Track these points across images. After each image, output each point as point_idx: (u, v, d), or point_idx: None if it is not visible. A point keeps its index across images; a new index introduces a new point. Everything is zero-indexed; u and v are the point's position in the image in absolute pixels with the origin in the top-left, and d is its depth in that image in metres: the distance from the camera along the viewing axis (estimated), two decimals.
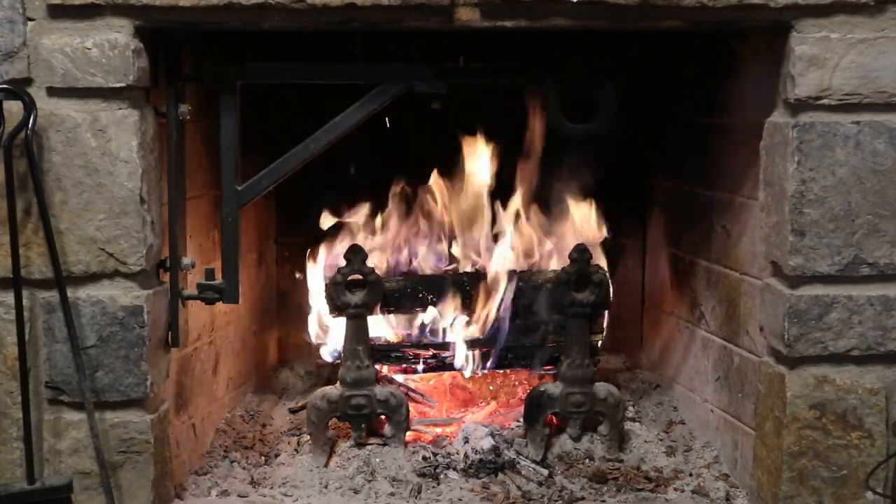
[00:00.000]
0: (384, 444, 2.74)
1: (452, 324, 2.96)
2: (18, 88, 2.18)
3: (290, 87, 2.90)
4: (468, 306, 2.95)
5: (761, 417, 2.46)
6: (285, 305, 3.49)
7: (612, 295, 2.87)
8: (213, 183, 2.72)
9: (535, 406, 2.76)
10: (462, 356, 2.94)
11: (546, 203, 3.16)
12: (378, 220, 3.18)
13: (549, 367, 2.94)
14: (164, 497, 2.44)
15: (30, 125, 2.17)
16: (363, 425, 2.75)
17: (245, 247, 2.92)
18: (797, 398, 2.34)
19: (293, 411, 3.07)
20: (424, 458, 2.69)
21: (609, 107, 2.60)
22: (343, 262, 2.78)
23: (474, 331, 2.95)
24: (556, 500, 2.53)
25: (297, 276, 3.34)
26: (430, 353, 2.95)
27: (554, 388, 2.77)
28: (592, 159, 3.09)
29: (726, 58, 2.66)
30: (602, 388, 2.79)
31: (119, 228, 2.28)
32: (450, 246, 3.16)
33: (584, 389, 2.76)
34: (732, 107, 2.68)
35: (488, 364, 2.95)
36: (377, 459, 2.69)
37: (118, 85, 2.23)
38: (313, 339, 3.11)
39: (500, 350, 2.92)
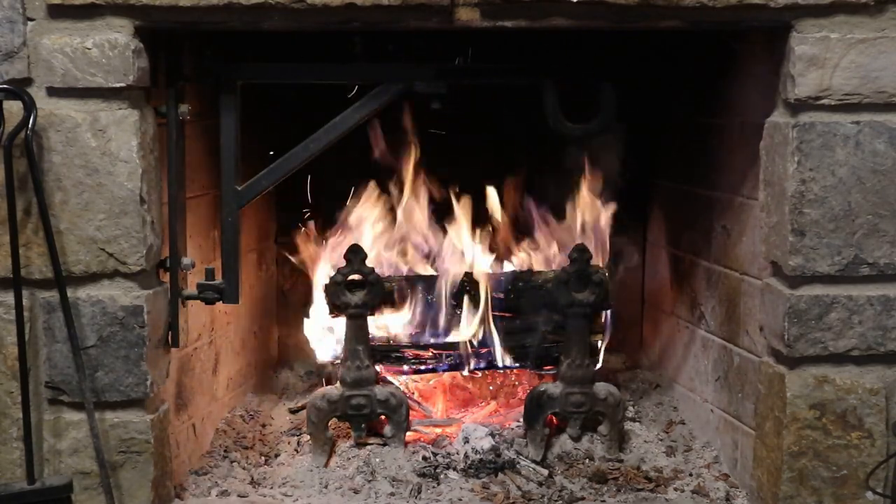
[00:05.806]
0: (384, 444, 2.74)
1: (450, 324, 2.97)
2: (18, 88, 2.18)
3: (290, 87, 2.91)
4: (464, 306, 2.95)
5: (761, 417, 2.46)
6: (285, 305, 3.49)
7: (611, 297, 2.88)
8: (213, 183, 2.72)
9: (535, 406, 2.76)
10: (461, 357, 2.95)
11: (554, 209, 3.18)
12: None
13: (549, 367, 2.94)
14: (164, 497, 2.44)
15: (30, 125, 2.17)
16: (363, 425, 2.75)
17: (245, 247, 2.92)
18: (797, 398, 2.34)
19: (293, 411, 3.07)
20: (424, 458, 2.69)
21: (608, 107, 2.59)
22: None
23: (471, 332, 2.95)
24: (556, 500, 2.53)
25: None
26: (431, 353, 2.95)
27: (554, 388, 2.77)
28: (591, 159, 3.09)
29: (726, 58, 2.66)
30: (602, 388, 2.79)
31: (119, 228, 2.28)
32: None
33: (584, 389, 2.76)
34: (732, 107, 2.68)
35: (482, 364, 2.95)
36: (377, 459, 2.69)
37: (118, 85, 2.23)
38: None
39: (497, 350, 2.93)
